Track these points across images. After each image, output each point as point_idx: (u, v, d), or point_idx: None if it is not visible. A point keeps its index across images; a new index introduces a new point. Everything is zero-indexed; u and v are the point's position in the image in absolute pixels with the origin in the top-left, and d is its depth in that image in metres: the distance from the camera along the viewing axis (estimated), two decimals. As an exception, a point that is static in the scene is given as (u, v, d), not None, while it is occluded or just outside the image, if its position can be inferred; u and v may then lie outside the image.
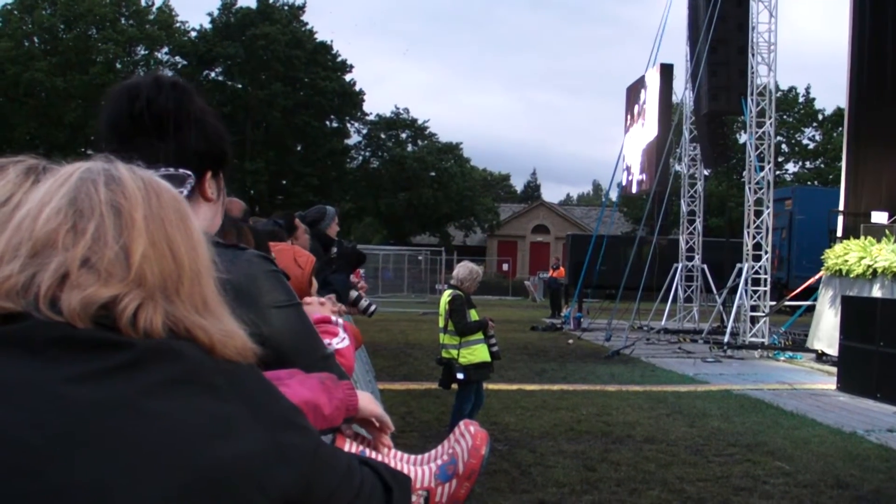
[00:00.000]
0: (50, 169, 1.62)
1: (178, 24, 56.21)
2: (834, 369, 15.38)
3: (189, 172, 1.92)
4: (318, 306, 3.35)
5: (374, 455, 1.94)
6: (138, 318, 1.21)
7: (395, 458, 1.95)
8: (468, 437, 1.96)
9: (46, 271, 1.21)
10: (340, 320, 3.21)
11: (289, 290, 2.44)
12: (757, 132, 21.80)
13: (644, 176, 30.28)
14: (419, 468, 1.93)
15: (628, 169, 31.75)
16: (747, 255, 21.61)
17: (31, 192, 1.33)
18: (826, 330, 17.59)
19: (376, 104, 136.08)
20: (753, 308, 21.41)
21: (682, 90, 28.39)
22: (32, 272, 1.21)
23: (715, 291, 25.72)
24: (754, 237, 21.68)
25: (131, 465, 1.13)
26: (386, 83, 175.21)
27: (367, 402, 1.95)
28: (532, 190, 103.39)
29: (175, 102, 1.98)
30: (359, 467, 1.50)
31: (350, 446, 1.93)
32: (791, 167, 63.54)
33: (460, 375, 9.04)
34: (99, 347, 1.18)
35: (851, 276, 16.86)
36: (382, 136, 62.99)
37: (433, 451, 2.00)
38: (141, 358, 1.19)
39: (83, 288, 1.20)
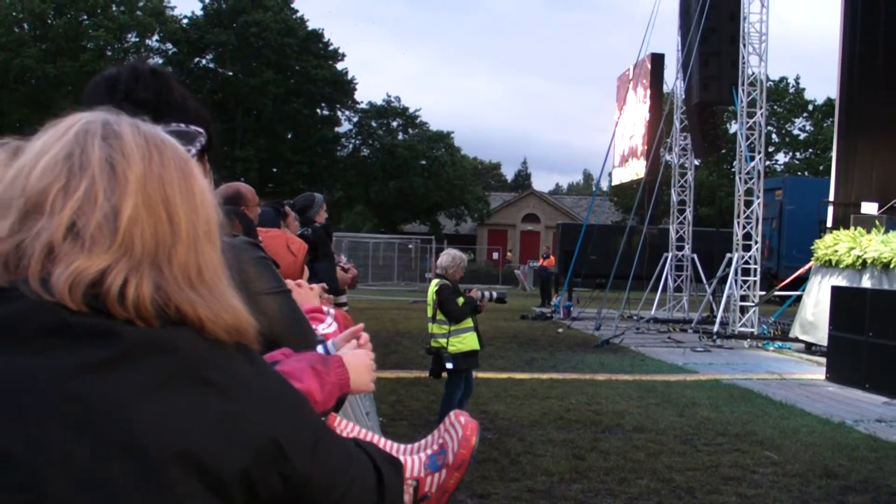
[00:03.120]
0: None
1: (169, 12, 56.02)
2: (823, 359, 15.42)
3: (200, 130, 1.90)
4: (308, 292, 3.35)
5: (364, 436, 1.94)
6: (126, 293, 1.17)
7: (385, 447, 1.95)
8: (458, 428, 1.95)
9: (36, 239, 1.17)
10: (332, 310, 3.20)
11: (277, 277, 2.52)
12: (748, 122, 21.80)
13: (634, 164, 30.34)
14: (409, 458, 1.92)
15: (621, 157, 31.82)
16: (737, 244, 21.64)
17: (32, 142, 1.29)
18: (815, 320, 17.61)
19: (365, 91, 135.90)
20: (743, 298, 21.45)
21: (672, 80, 28.43)
22: (20, 239, 1.18)
23: (705, 281, 25.76)
24: (744, 227, 21.71)
25: (127, 470, 1.10)
26: (373, 70, 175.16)
27: (359, 378, 1.93)
28: (523, 179, 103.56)
29: (154, 90, 1.98)
30: (357, 454, 1.47)
31: (339, 424, 1.93)
32: (781, 157, 63.66)
33: (449, 364, 9.04)
34: (89, 337, 1.15)
35: (841, 266, 16.89)
36: (373, 124, 62.92)
37: (423, 441, 2.00)
38: (133, 351, 1.16)
39: (68, 262, 1.16)
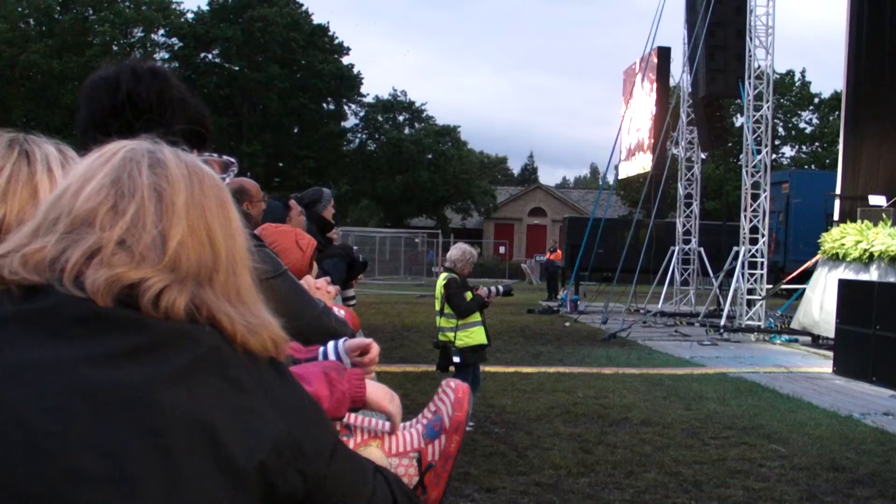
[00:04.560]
0: (32, 141, 1.64)
1: (174, 6, 56.05)
2: (830, 353, 15.41)
3: (233, 160, 1.94)
4: (314, 291, 3.36)
5: (370, 423, 1.95)
6: (161, 298, 1.21)
7: (382, 427, 1.96)
8: (450, 392, 1.98)
9: (78, 247, 1.22)
10: (342, 311, 3.23)
11: (275, 261, 2.68)
12: (754, 115, 21.78)
13: (640, 157, 30.31)
14: (406, 433, 1.94)
15: (627, 151, 31.80)
16: (744, 238, 21.63)
17: (74, 167, 1.33)
18: (822, 313, 17.58)
19: (371, 86, 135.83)
20: (750, 291, 21.44)
21: (679, 73, 28.39)
22: (64, 247, 1.22)
23: (711, 275, 25.74)
24: (751, 220, 21.70)
25: (147, 452, 1.13)
26: (378, 65, 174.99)
27: (377, 396, 1.94)
28: (529, 173, 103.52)
29: (156, 91, 2.00)
30: (373, 475, 1.49)
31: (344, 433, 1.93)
32: (788, 151, 63.57)
33: (456, 358, 9.04)
34: (118, 327, 1.19)
35: (848, 259, 16.86)
36: (380, 118, 62.95)
37: (418, 415, 2.02)
38: (160, 341, 1.19)
39: (113, 267, 1.20)
